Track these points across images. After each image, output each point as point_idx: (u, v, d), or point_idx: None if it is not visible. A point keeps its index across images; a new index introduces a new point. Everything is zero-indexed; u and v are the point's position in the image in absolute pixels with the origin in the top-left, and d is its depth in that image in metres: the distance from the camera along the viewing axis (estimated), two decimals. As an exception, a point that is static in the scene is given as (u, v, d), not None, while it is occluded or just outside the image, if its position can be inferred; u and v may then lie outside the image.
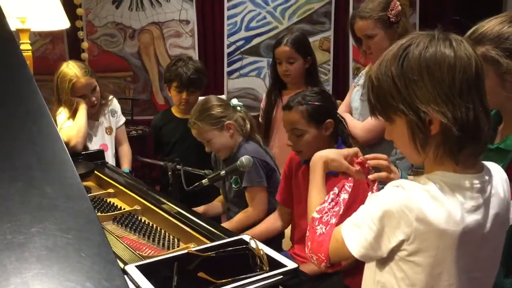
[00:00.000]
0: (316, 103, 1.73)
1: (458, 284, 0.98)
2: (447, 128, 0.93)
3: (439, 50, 0.94)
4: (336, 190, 1.15)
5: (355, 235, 0.99)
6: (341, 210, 1.10)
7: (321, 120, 1.73)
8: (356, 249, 0.98)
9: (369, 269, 1.07)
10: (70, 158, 0.99)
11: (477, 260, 0.99)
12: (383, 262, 1.01)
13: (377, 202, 0.98)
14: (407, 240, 0.94)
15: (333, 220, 1.07)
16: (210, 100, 2.13)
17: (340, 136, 1.82)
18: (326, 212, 1.09)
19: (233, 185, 2.12)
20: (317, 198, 1.15)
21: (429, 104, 0.93)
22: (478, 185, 0.97)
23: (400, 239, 0.95)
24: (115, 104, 2.69)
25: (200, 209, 2.17)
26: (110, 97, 2.69)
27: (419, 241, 0.94)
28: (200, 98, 2.20)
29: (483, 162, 1.02)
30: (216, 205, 2.28)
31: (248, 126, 2.13)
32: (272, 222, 1.96)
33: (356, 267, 1.68)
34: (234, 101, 2.18)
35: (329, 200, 1.12)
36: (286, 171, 1.92)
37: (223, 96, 4.08)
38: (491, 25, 1.22)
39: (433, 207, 0.93)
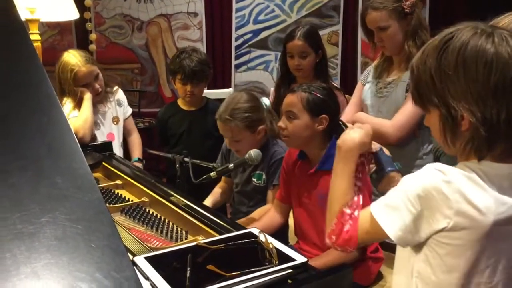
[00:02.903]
0: (318, 95, 1.72)
1: (494, 268, 0.97)
2: (476, 127, 0.92)
3: (479, 46, 0.91)
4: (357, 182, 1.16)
5: (392, 217, 0.97)
6: (361, 201, 1.10)
7: (317, 113, 1.71)
8: (394, 232, 0.97)
9: (402, 259, 1.07)
10: (80, 149, 0.99)
11: None
12: (417, 250, 1.01)
13: (415, 183, 0.96)
14: (448, 223, 0.94)
15: (356, 213, 1.07)
16: (247, 99, 2.03)
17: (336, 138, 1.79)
18: (355, 208, 1.08)
19: (255, 180, 2.09)
20: (346, 187, 1.13)
21: (460, 101, 0.93)
22: None
23: (441, 222, 0.94)
24: (120, 94, 2.68)
25: (208, 202, 2.16)
26: (115, 87, 2.68)
27: (460, 224, 0.93)
28: (234, 92, 2.15)
29: None
30: (220, 194, 2.26)
31: (276, 128, 2.10)
32: (271, 218, 1.92)
33: (360, 260, 1.69)
34: (267, 102, 2.13)
35: (357, 194, 1.12)
36: (284, 167, 1.91)
37: (231, 90, 4.07)
38: (507, 21, 1.20)
39: (474, 191, 0.93)
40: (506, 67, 0.90)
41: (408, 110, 1.92)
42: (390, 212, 0.98)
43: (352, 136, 1.20)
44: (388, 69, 2.11)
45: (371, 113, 2.11)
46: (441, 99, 0.95)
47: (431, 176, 0.95)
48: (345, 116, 2.13)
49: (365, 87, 2.19)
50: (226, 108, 2.01)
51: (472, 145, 0.95)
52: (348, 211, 1.08)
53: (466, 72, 0.92)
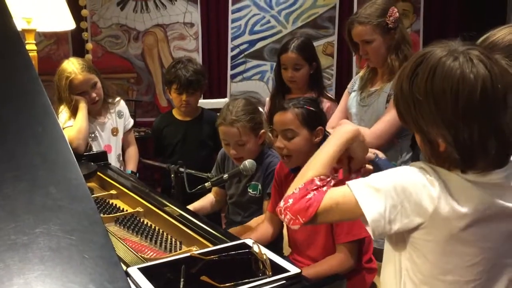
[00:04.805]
0: (311, 108, 1.74)
1: (481, 265, 0.99)
2: (451, 150, 0.95)
3: (445, 72, 0.94)
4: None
5: (373, 199, 0.98)
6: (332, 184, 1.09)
7: (313, 126, 1.73)
8: (371, 213, 0.97)
9: (389, 258, 1.08)
10: (75, 159, 0.99)
11: (507, 247, 1.00)
12: (402, 248, 1.02)
13: (403, 175, 0.99)
14: (424, 220, 0.96)
15: (325, 189, 1.05)
16: (246, 103, 2.07)
17: None
18: (325, 184, 1.06)
19: (250, 191, 2.09)
20: (326, 162, 1.10)
21: (432, 126, 0.96)
22: (499, 180, 0.98)
23: (418, 218, 0.96)
24: (122, 105, 2.65)
25: (195, 207, 2.14)
26: (117, 98, 2.65)
27: (436, 223, 0.95)
28: (231, 100, 2.17)
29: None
30: (208, 202, 2.25)
31: (270, 136, 2.12)
32: (263, 230, 1.91)
33: (354, 270, 1.69)
34: (261, 110, 2.17)
35: (333, 176, 1.10)
36: (276, 178, 1.91)
37: (226, 100, 4.09)
38: (502, 34, 1.21)
39: (456, 188, 0.95)
40: (472, 90, 0.92)
41: (387, 119, 1.97)
42: (373, 193, 0.98)
43: (349, 125, 1.22)
44: (372, 79, 2.17)
45: (354, 121, 2.16)
46: (417, 124, 0.99)
47: (416, 173, 0.98)
48: (330, 123, 2.18)
49: (350, 96, 2.25)
50: (230, 112, 2.02)
51: (455, 164, 0.97)
52: (318, 182, 1.06)
53: (435, 99, 0.94)
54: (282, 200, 1.08)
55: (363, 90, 2.17)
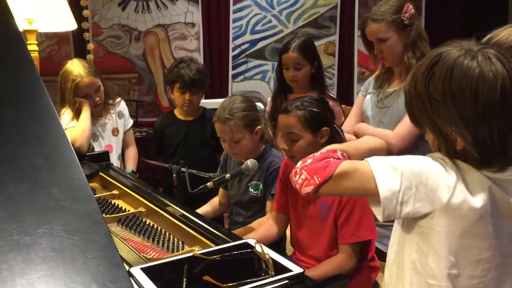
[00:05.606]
0: (314, 110, 1.72)
1: (488, 261, 0.99)
2: (470, 149, 0.95)
3: (464, 71, 0.93)
4: None
5: (390, 176, 0.98)
6: None
7: (318, 127, 1.71)
8: (384, 189, 0.97)
9: (398, 256, 1.08)
10: (77, 159, 0.99)
11: None
12: (411, 236, 1.03)
13: (421, 160, 0.99)
14: (434, 209, 0.96)
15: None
16: (242, 100, 2.06)
17: None
18: (345, 159, 1.09)
19: (252, 190, 2.08)
20: (355, 146, 1.19)
21: (450, 125, 0.95)
22: None
23: (429, 205, 0.96)
24: (122, 106, 2.68)
25: (203, 211, 2.16)
26: (118, 99, 2.67)
27: (453, 209, 0.95)
28: (229, 97, 2.17)
29: None
30: (216, 206, 2.27)
31: (270, 133, 2.11)
32: (268, 228, 1.92)
33: (358, 268, 1.69)
34: (261, 106, 2.16)
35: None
36: (281, 177, 1.91)
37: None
38: (506, 33, 1.20)
39: (471, 180, 0.95)
40: (492, 89, 0.92)
41: (410, 120, 1.92)
42: (390, 171, 0.99)
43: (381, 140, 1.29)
44: (389, 80, 2.11)
45: (372, 123, 2.11)
46: (433, 123, 0.98)
47: (437, 162, 0.98)
48: (345, 128, 2.13)
49: (366, 98, 2.19)
50: (224, 109, 2.02)
51: (473, 161, 0.97)
52: (340, 155, 1.09)
53: (453, 99, 0.94)
54: (300, 161, 1.09)
55: (380, 91, 2.10)
